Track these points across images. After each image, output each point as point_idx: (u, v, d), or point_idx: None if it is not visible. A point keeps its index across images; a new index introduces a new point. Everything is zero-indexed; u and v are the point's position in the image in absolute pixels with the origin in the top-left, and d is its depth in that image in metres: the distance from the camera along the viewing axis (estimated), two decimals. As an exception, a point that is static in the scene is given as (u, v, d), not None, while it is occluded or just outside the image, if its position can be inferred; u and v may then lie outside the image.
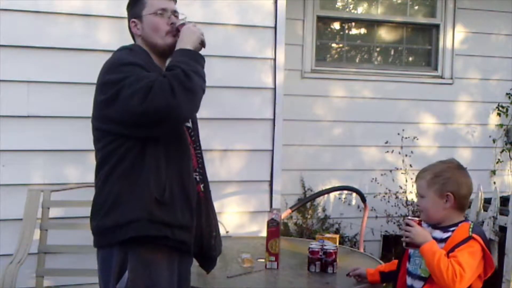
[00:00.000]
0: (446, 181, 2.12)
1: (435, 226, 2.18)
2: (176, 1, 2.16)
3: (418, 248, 2.08)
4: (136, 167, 1.91)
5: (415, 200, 3.69)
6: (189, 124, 2.12)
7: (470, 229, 2.07)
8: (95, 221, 1.97)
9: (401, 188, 4.95)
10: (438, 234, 2.13)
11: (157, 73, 1.90)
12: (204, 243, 2.10)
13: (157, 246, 1.93)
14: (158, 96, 1.81)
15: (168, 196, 1.91)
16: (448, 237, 2.09)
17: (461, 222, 2.13)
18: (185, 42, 1.98)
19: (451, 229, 2.11)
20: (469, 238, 2.04)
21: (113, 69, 1.93)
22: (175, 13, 2.10)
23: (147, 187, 1.89)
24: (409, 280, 2.21)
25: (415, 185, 2.27)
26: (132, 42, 2.14)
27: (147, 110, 1.83)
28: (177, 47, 1.98)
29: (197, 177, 2.10)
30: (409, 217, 2.19)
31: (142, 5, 2.08)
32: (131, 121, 1.86)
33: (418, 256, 2.14)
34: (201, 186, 2.12)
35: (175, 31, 2.04)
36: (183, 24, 2.03)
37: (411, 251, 2.21)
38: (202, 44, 2.03)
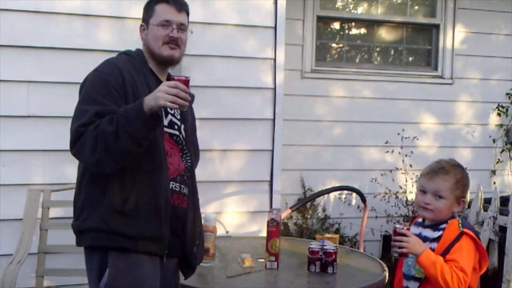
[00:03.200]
0: (464, 188, 2.14)
1: (424, 224, 2.18)
2: (187, 13, 2.16)
3: (407, 256, 2.06)
4: (100, 177, 1.94)
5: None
6: (175, 132, 2.10)
7: (460, 225, 2.07)
8: (72, 220, 2.05)
9: (401, 188, 4.94)
10: (429, 233, 2.13)
11: (95, 112, 1.89)
12: (186, 250, 2.11)
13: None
14: (82, 150, 1.88)
15: (130, 208, 1.91)
16: (439, 236, 2.09)
17: (449, 219, 2.13)
18: (149, 99, 1.85)
19: (441, 227, 2.11)
20: (461, 234, 2.04)
21: (89, 77, 2.04)
22: (181, 25, 2.10)
23: (108, 198, 1.92)
24: (404, 282, 2.19)
25: (427, 183, 2.14)
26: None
27: (75, 156, 1.96)
28: (145, 99, 1.86)
29: (179, 186, 2.07)
30: (398, 227, 2.08)
31: (151, 13, 2.11)
32: None
33: (410, 258, 2.11)
34: (186, 195, 2.10)
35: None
36: (178, 78, 1.88)
37: None
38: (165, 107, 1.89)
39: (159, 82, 2.07)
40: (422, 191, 2.16)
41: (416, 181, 2.29)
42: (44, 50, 3.32)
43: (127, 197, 1.91)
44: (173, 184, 2.05)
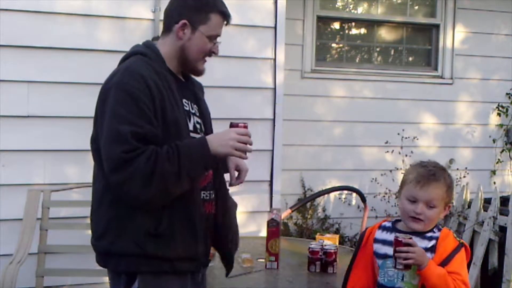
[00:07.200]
0: (452, 193, 2.03)
1: (403, 231, 2.02)
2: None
3: (410, 268, 1.90)
4: None
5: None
6: (199, 135, 1.96)
7: (455, 235, 1.99)
8: (92, 238, 1.89)
9: (401, 188, 4.94)
10: (419, 241, 1.96)
11: (131, 134, 1.69)
12: (222, 247, 2.04)
13: None
14: (131, 182, 1.69)
15: (165, 228, 1.78)
16: (433, 246, 1.96)
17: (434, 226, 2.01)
18: (214, 141, 1.80)
19: (429, 235, 1.98)
20: (461, 245, 1.96)
21: (112, 88, 1.77)
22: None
23: (139, 219, 1.77)
24: None
25: (418, 192, 1.95)
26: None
27: (117, 184, 1.72)
28: (208, 139, 1.81)
29: (209, 194, 1.95)
30: (401, 236, 1.91)
31: (204, 20, 1.91)
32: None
33: (390, 268, 1.96)
34: (214, 199, 1.97)
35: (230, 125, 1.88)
36: (237, 125, 1.86)
37: (379, 262, 2.01)
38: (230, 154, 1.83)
39: (177, 80, 1.95)
40: (411, 200, 1.97)
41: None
42: (44, 50, 3.33)
43: (160, 217, 1.77)
44: (204, 193, 1.93)
